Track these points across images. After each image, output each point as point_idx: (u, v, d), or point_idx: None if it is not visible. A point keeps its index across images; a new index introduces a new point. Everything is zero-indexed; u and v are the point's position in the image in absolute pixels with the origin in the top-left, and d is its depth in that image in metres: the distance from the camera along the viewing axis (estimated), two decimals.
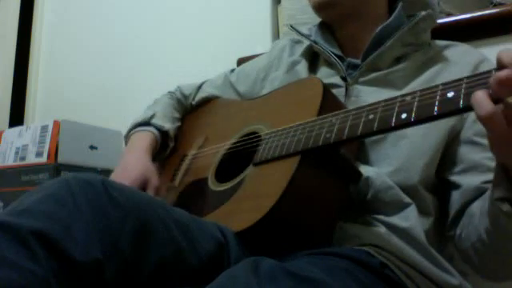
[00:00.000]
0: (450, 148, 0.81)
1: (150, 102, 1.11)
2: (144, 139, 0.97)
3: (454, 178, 0.80)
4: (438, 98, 0.56)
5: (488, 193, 0.67)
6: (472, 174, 0.78)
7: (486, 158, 0.77)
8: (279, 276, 0.54)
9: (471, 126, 0.80)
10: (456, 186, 0.79)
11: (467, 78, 0.54)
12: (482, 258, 0.73)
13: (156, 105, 1.07)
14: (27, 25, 1.91)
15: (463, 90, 0.54)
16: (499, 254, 0.70)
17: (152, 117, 1.00)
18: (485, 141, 0.78)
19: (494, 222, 0.66)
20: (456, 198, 0.79)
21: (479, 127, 0.79)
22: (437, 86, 0.57)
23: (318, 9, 0.91)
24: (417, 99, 0.58)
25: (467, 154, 0.79)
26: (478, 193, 0.75)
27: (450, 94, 0.55)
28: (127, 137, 1.02)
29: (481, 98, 0.49)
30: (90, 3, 1.85)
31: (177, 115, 1.06)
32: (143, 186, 0.87)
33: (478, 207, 0.73)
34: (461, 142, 0.81)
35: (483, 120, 0.49)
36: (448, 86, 0.56)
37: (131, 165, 0.90)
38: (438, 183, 0.82)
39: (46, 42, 1.92)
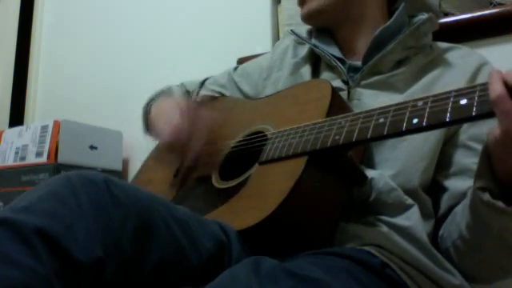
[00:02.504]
0: (444, 150, 0.81)
1: None
2: (174, 99, 0.95)
3: (443, 181, 0.80)
4: (450, 104, 0.55)
5: (471, 190, 0.67)
6: (461, 178, 0.78)
7: (476, 163, 0.77)
8: (280, 276, 0.54)
9: (466, 130, 0.80)
10: (444, 189, 0.80)
11: (481, 85, 0.54)
12: (461, 256, 0.73)
13: (168, 89, 1.08)
14: (27, 25, 1.92)
15: (476, 98, 0.53)
16: (478, 252, 0.71)
17: (171, 91, 1.02)
18: (478, 146, 0.78)
19: (474, 214, 0.67)
20: (443, 200, 0.79)
21: (474, 131, 0.79)
22: (449, 92, 0.57)
23: (305, 20, 0.94)
24: (429, 105, 0.58)
25: (459, 157, 0.80)
26: (464, 197, 0.75)
27: (463, 102, 0.54)
28: (148, 106, 1.04)
29: (496, 78, 0.53)
30: (89, 3, 1.85)
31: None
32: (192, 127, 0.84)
33: (461, 205, 0.73)
34: (454, 145, 0.81)
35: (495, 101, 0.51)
36: (461, 92, 0.55)
37: (175, 118, 0.86)
38: (431, 185, 0.82)
39: (45, 42, 1.93)
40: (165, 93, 1.04)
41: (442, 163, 0.81)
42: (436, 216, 0.80)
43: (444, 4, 1.12)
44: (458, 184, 0.78)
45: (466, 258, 0.73)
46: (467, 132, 0.80)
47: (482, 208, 0.63)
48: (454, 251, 0.74)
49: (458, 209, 0.75)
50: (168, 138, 0.83)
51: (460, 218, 0.72)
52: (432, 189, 0.81)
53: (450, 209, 0.78)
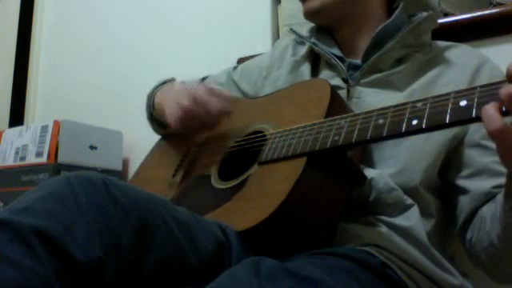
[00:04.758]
0: (457, 151, 0.80)
1: None
2: (179, 84, 0.94)
3: (462, 183, 0.79)
4: (450, 105, 0.55)
5: (499, 198, 0.67)
6: (481, 178, 0.77)
7: (494, 161, 0.76)
8: (280, 276, 0.54)
9: (478, 130, 0.80)
10: (464, 191, 0.79)
11: (481, 86, 0.54)
12: (493, 261, 0.73)
13: (172, 79, 1.08)
14: (27, 25, 1.91)
15: (476, 100, 0.53)
16: (511, 258, 0.71)
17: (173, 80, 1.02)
18: (492, 144, 0.77)
19: (505, 230, 0.66)
20: (465, 202, 0.78)
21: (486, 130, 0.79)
22: (449, 94, 0.56)
23: (308, 17, 0.93)
24: (428, 106, 0.58)
25: (475, 157, 0.79)
26: (488, 197, 0.75)
27: (463, 103, 0.54)
28: (152, 93, 1.05)
29: (491, 113, 0.50)
30: (89, 3, 1.85)
31: None
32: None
33: (489, 212, 0.72)
34: (468, 145, 0.80)
35: (493, 135, 0.50)
36: (461, 94, 0.55)
37: (184, 92, 0.85)
38: (442, 186, 0.81)
39: (45, 42, 1.92)
40: (169, 81, 1.05)
41: (458, 165, 0.80)
42: (459, 219, 0.79)
43: (444, 4, 1.12)
44: (478, 185, 0.77)
45: (498, 262, 0.72)
46: (480, 131, 0.79)
47: None
48: (486, 256, 0.73)
49: (486, 215, 0.73)
50: (177, 120, 0.84)
51: (490, 227, 0.70)
52: (448, 191, 0.81)
53: (474, 211, 0.77)
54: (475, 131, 0.80)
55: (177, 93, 0.88)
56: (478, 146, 0.79)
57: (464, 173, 0.80)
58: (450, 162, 0.80)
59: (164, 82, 1.07)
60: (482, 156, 0.78)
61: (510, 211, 0.63)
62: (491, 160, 0.76)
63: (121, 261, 0.52)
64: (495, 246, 0.70)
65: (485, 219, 0.73)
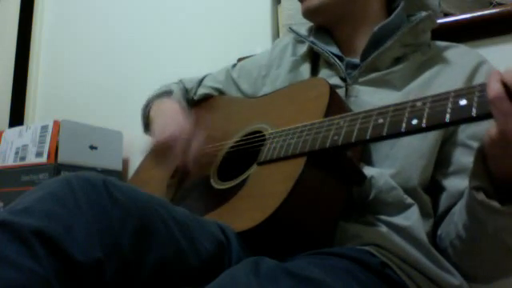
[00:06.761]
0: (443, 149, 0.81)
1: None
2: (174, 103, 0.96)
3: (442, 180, 0.80)
4: (449, 105, 0.55)
5: (466, 190, 0.67)
6: (458, 177, 0.78)
7: None
8: (279, 276, 0.54)
9: (465, 129, 0.80)
10: (443, 188, 0.80)
11: (480, 86, 0.54)
12: (459, 256, 0.73)
13: (168, 87, 1.08)
14: (27, 25, 1.92)
15: (476, 99, 0.53)
16: (476, 252, 0.71)
17: (171, 92, 1.02)
18: (477, 145, 0.78)
19: (470, 214, 0.67)
20: (442, 200, 0.79)
21: (473, 130, 0.79)
22: (448, 93, 0.57)
23: (306, 15, 0.93)
24: (428, 105, 0.58)
25: (458, 156, 0.80)
26: (462, 197, 0.75)
27: (463, 102, 0.54)
28: (147, 106, 1.05)
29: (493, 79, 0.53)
30: (89, 3, 1.85)
31: (185, 103, 1.06)
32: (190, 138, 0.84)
33: (459, 205, 0.73)
34: (453, 143, 0.81)
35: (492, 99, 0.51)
36: (460, 93, 0.55)
37: (174, 120, 0.87)
38: (431, 184, 0.82)
39: (45, 42, 1.92)
40: (164, 93, 1.04)
41: (441, 162, 0.81)
42: (435, 215, 0.80)
43: (444, 4, 1.12)
44: (456, 183, 0.78)
45: (464, 257, 0.73)
46: (466, 131, 0.80)
47: (477, 207, 0.63)
48: (452, 251, 0.74)
49: (456, 209, 0.75)
50: (161, 139, 0.84)
51: (457, 217, 0.72)
52: (431, 188, 0.81)
53: (449, 208, 0.78)
54: (462, 130, 0.80)
55: (166, 113, 0.89)
56: (463, 145, 0.80)
57: (445, 170, 0.80)
58: (436, 158, 0.81)
59: (160, 92, 1.06)
60: (464, 155, 0.79)
61: (474, 189, 0.63)
62: (472, 160, 0.77)
63: (120, 261, 0.52)
64: (461, 237, 0.70)
65: (454, 212, 0.74)
